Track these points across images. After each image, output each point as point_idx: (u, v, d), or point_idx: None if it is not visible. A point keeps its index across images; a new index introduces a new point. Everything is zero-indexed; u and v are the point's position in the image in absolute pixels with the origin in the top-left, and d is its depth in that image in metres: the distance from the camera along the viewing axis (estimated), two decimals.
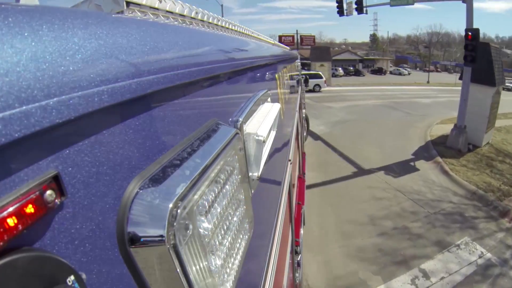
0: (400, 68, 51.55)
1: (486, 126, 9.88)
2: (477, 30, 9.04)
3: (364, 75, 45.32)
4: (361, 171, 8.48)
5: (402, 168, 8.61)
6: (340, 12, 15.09)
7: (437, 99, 22.15)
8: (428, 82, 36.92)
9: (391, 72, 50.94)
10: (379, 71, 49.81)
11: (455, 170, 8.16)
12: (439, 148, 9.79)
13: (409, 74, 49.97)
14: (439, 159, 8.95)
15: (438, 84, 35.82)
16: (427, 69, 59.25)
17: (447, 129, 11.40)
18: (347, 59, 52.79)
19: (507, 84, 38.71)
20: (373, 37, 75.42)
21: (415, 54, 71.80)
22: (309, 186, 7.17)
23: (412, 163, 8.96)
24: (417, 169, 8.53)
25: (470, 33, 9.11)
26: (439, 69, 51.61)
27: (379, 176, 8.18)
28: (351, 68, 48.23)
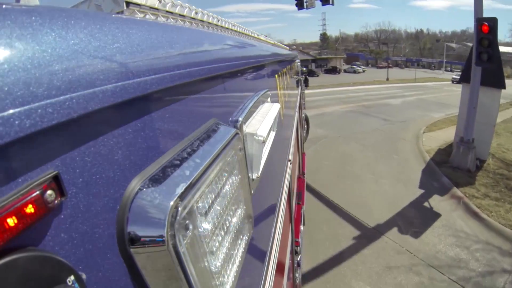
0: (354, 66, 50.88)
1: (492, 137, 8.11)
2: (495, 19, 6.37)
3: (318, 75, 43.64)
4: (365, 233, 5.50)
5: (418, 215, 6.01)
6: (299, 5, 12.85)
7: (405, 98, 20.99)
8: (387, 79, 35.92)
9: (345, 71, 49.44)
10: (333, 70, 48.42)
11: (484, 208, 6.01)
12: (445, 171, 7.60)
13: (363, 71, 49.45)
14: (456, 191, 6.71)
15: (397, 80, 35.04)
16: (380, 65, 60.27)
17: (439, 138, 10.12)
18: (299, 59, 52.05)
19: (454, 76, 37.63)
20: (323, 36, 76.30)
21: (367, 51, 73.30)
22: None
23: (426, 204, 6.40)
24: (438, 214, 6.02)
25: (486, 23, 6.30)
26: (390, 65, 52.23)
27: (394, 238, 5.34)
28: (304, 68, 46.52)
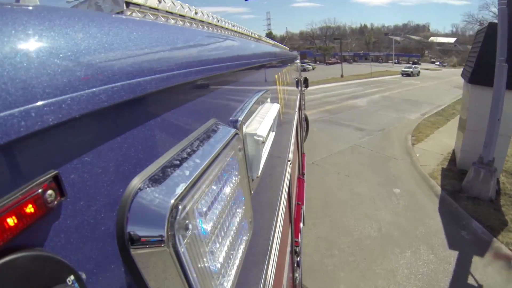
0: (304, 64, 50.01)
1: (507, 150, 6.39)
2: None
3: None
4: None
5: None
6: None
7: (369, 97, 19.09)
8: (342, 76, 34.38)
9: None
10: None
11: None
12: (467, 206, 5.48)
13: (313, 69, 49.42)
14: (498, 244, 4.59)
15: (353, 77, 33.49)
16: (329, 61, 62.16)
17: (434, 151, 8.39)
18: None
19: (404, 69, 38.62)
20: (270, 36, 78.21)
21: (315, 48, 75.01)
22: None
23: (470, 279, 4.09)
24: None
25: None
26: (339, 60, 52.04)
27: None
28: None
